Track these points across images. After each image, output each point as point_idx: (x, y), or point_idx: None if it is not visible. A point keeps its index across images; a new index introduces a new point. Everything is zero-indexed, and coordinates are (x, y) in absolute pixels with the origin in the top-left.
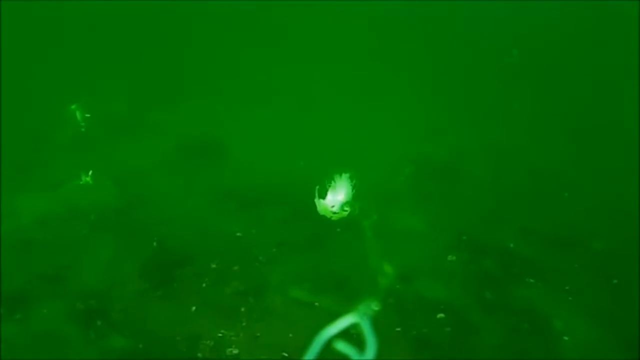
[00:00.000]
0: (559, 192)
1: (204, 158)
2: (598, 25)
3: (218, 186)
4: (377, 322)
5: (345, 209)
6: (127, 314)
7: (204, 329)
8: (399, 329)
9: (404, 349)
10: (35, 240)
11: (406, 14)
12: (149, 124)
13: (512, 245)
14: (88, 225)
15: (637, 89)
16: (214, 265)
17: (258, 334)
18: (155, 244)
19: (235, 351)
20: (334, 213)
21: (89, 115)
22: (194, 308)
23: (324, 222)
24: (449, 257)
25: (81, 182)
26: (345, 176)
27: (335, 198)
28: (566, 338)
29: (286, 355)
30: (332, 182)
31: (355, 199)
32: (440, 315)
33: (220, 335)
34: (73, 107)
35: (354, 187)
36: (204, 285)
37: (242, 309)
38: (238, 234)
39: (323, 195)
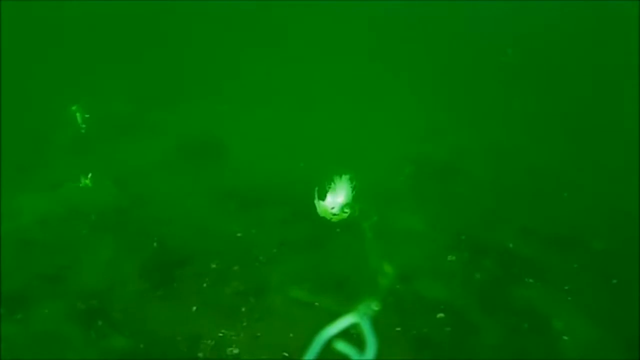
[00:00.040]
0: (559, 192)
1: (204, 158)
2: (598, 25)
3: (218, 186)
4: (377, 322)
5: (345, 210)
6: (127, 313)
7: (205, 328)
8: (399, 329)
9: (404, 348)
10: (36, 240)
11: (406, 14)
12: (149, 124)
13: (511, 245)
14: (88, 225)
15: (637, 89)
16: (214, 265)
17: (258, 334)
18: (155, 244)
19: (236, 351)
20: (334, 215)
21: (89, 116)
22: (194, 308)
23: (324, 222)
24: (449, 257)
25: (80, 185)
26: (345, 178)
27: (335, 200)
28: (566, 338)
29: (287, 355)
30: (332, 183)
31: (355, 201)
32: (440, 315)
33: (220, 335)
34: (73, 108)
35: (353, 188)
36: (204, 285)
37: (243, 309)
38: (238, 234)
39: (323, 197)
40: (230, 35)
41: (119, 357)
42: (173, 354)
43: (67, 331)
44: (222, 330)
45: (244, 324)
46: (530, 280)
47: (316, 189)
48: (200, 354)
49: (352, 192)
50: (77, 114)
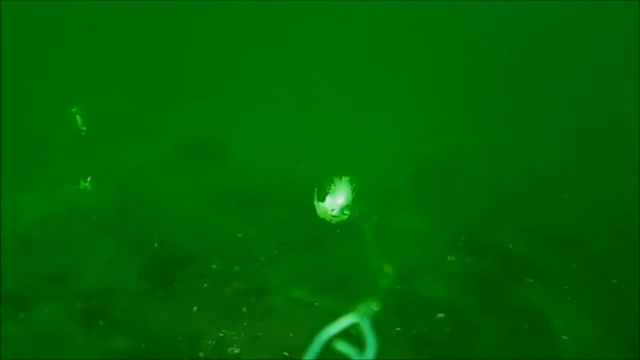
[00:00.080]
0: (558, 192)
1: (204, 158)
2: (598, 25)
3: (218, 186)
4: (377, 322)
5: (345, 212)
6: (128, 313)
7: (205, 328)
8: (398, 329)
9: (403, 348)
10: (37, 240)
11: (406, 14)
12: (149, 124)
13: (511, 245)
14: (89, 225)
15: (637, 89)
16: (214, 266)
17: (259, 334)
18: (156, 244)
19: (237, 351)
20: (334, 217)
21: (89, 116)
22: (195, 308)
23: (324, 222)
24: (449, 257)
25: (80, 188)
26: (344, 179)
27: (335, 202)
28: (565, 338)
29: (287, 354)
30: (332, 185)
31: (354, 202)
32: (440, 315)
33: (221, 335)
34: (73, 110)
35: (353, 190)
36: (205, 285)
37: (243, 309)
38: (239, 235)
39: (322, 198)
40: (230, 35)
41: (119, 357)
42: (174, 353)
43: (68, 331)
44: (223, 330)
45: (245, 324)
46: (530, 280)
47: (316, 190)
48: (201, 354)
49: (352, 193)
50: (77, 117)
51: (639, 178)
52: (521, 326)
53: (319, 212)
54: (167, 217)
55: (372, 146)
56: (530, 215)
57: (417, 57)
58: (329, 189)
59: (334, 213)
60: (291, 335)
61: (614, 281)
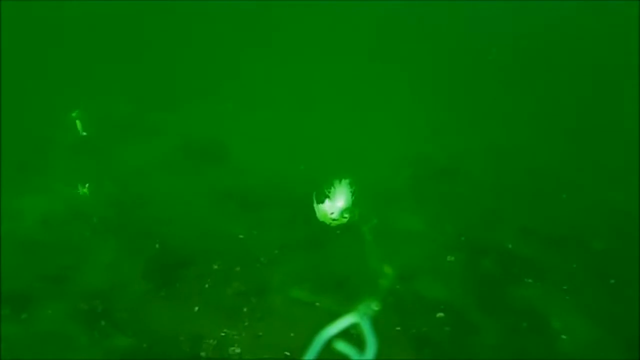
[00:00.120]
0: (558, 192)
1: (205, 160)
2: (598, 25)
3: (219, 187)
4: (377, 322)
5: (345, 215)
6: (130, 314)
7: (207, 328)
8: (398, 328)
9: (403, 347)
10: (39, 241)
11: (406, 14)
12: (150, 124)
13: (511, 245)
14: (90, 226)
15: (637, 89)
16: (216, 266)
17: (260, 334)
18: (157, 245)
19: (238, 350)
20: (334, 220)
21: (89, 118)
22: (196, 308)
23: (324, 224)
24: (449, 257)
25: (80, 193)
26: (344, 182)
27: (335, 205)
28: (564, 337)
29: (288, 354)
30: (332, 188)
31: (354, 205)
32: (440, 314)
33: (222, 334)
34: (74, 114)
35: (353, 193)
36: (206, 285)
37: (244, 309)
38: (240, 236)
39: (322, 201)
40: (230, 35)
41: (122, 357)
42: (176, 353)
43: (70, 331)
44: (224, 330)
45: (246, 323)
46: (530, 280)
47: (315, 193)
48: (202, 353)
49: (352, 196)
50: (77, 121)
51: (639, 178)
52: (520, 326)
53: (318, 215)
54: (169, 218)
55: (372, 146)
56: (530, 215)
57: (417, 58)
58: (329, 191)
59: (333, 216)
60: (292, 334)
61: (612, 281)
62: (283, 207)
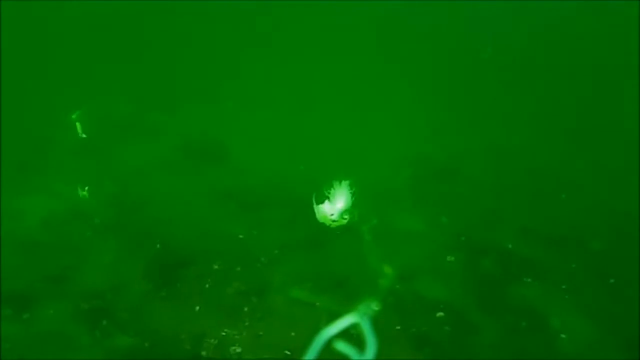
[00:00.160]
0: (558, 192)
1: (205, 160)
2: (598, 25)
3: (219, 187)
4: (377, 321)
5: (345, 217)
6: (131, 313)
7: (208, 328)
8: (398, 328)
9: (403, 347)
10: (40, 242)
11: (406, 14)
12: (150, 125)
13: (510, 245)
14: (91, 227)
15: (637, 89)
16: (216, 266)
17: (260, 333)
18: (158, 245)
19: (239, 349)
20: (333, 221)
21: (89, 118)
22: (197, 308)
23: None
24: (449, 257)
25: (80, 195)
26: (344, 183)
27: (334, 206)
28: (564, 336)
29: (289, 353)
30: (331, 189)
31: (354, 206)
32: (440, 314)
33: (223, 334)
34: (73, 117)
35: (353, 194)
36: (207, 285)
37: (245, 309)
38: (240, 236)
39: (322, 202)
40: (230, 35)
41: (123, 356)
42: (177, 352)
43: (71, 331)
44: (225, 330)
45: (246, 323)
46: (529, 280)
47: (315, 194)
48: (203, 353)
49: (352, 197)
50: (77, 124)
51: (638, 178)
52: (520, 325)
53: (318, 216)
54: (169, 218)
55: (372, 146)
56: (530, 215)
57: (417, 58)
58: (329, 193)
59: (333, 218)
60: (292, 334)
61: (612, 280)
62: (283, 207)
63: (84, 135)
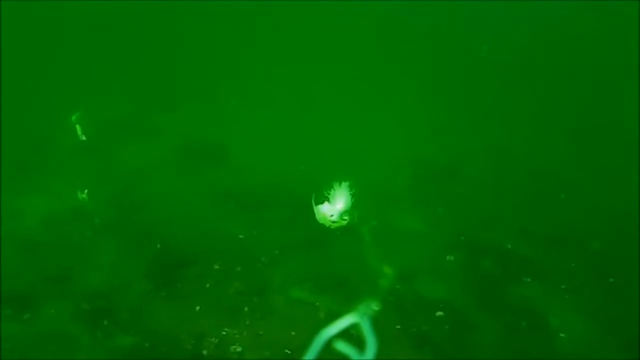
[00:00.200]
0: (557, 193)
1: (205, 160)
2: (598, 25)
3: (219, 188)
4: (377, 320)
5: (344, 218)
6: (132, 313)
7: (208, 327)
8: (398, 327)
9: (403, 346)
10: (40, 242)
11: (406, 14)
12: (150, 125)
13: (510, 245)
14: (92, 227)
15: (637, 89)
16: (217, 266)
17: (261, 332)
18: (159, 245)
19: (239, 349)
20: (333, 222)
21: (89, 120)
22: (198, 307)
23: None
24: (448, 257)
25: (79, 198)
26: (344, 184)
27: (334, 207)
28: (563, 336)
29: (289, 352)
30: (331, 190)
31: (354, 206)
32: (440, 313)
33: (224, 333)
34: (73, 118)
35: (352, 195)
36: (207, 285)
37: (245, 309)
38: (240, 236)
39: (322, 203)
40: (230, 35)
41: (124, 356)
42: (178, 352)
43: (73, 331)
44: (226, 329)
45: (247, 322)
46: (529, 280)
47: (314, 195)
48: (204, 352)
49: (352, 197)
50: (77, 126)
51: (638, 178)
52: (519, 324)
53: (318, 217)
54: (169, 218)
55: (372, 147)
56: (530, 215)
57: (417, 58)
58: (328, 193)
59: (333, 219)
60: (292, 333)
61: (611, 280)
62: (283, 207)
63: (84, 138)
